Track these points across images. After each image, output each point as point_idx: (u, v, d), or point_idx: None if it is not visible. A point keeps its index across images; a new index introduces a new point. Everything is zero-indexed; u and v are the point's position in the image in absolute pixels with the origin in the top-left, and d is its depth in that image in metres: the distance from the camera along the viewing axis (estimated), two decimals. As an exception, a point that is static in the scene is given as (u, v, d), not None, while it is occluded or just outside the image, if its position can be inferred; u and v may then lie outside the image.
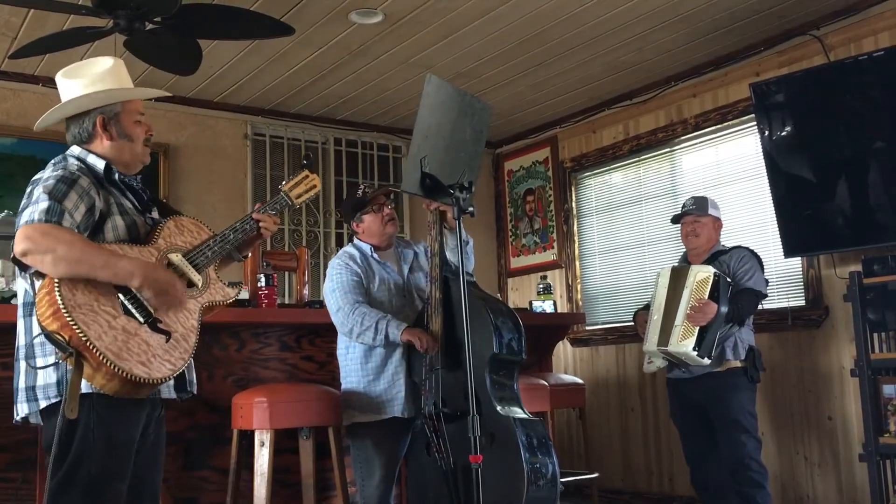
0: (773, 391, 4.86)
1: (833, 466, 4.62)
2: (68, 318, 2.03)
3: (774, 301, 4.80)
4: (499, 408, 3.10)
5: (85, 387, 2.14)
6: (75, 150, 2.37)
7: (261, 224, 2.50)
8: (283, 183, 2.67)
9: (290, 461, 3.65)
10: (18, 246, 2.09)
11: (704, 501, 4.15)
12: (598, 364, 6.01)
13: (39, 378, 2.21)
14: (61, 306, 2.03)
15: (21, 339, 2.27)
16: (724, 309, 3.83)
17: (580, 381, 4.74)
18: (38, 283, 2.15)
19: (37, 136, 5.15)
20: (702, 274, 3.88)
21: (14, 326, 2.26)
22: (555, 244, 6.42)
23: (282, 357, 3.86)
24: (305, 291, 4.61)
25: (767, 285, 4.06)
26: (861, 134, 4.27)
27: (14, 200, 4.99)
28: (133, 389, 2.13)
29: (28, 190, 2.24)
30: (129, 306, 2.16)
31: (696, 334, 3.82)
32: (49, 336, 2.05)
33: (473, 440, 2.58)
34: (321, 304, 4.07)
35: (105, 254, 2.15)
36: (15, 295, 3.46)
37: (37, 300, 2.11)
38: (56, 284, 2.06)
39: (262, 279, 3.87)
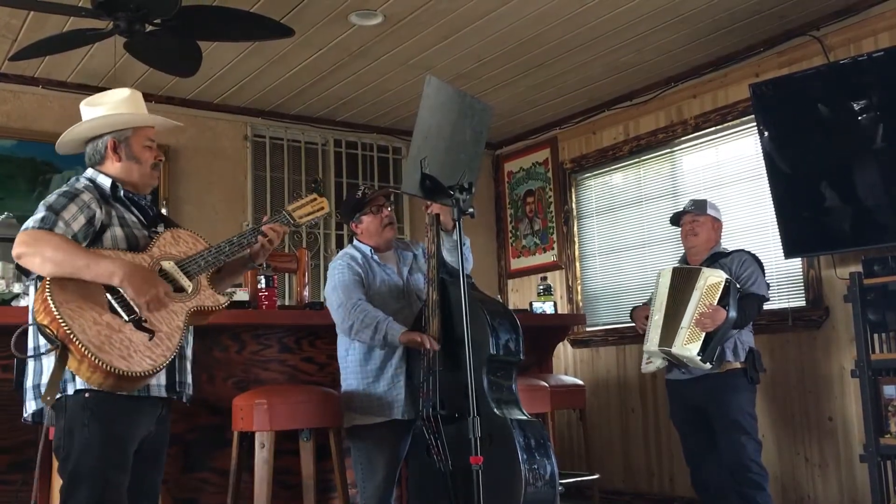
0: (773, 392, 4.86)
1: (834, 467, 4.62)
2: (55, 313, 2.20)
3: (775, 302, 4.80)
4: (496, 409, 3.10)
5: (80, 383, 2.31)
6: (88, 172, 2.58)
7: (270, 233, 2.63)
8: (288, 203, 2.79)
9: (290, 463, 3.64)
10: (14, 250, 2.32)
11: (705, 502, 4.15)
12: (598, 365, 6.01)
13: (44, 377, 2.35)
14: (50, 302, 2.21)
15: (32, 341, 2.39)
16: (733, 315, 3.80)
17: (580, 382, 4.74)
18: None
19: (36, 139, 5.18)
20: (713, 278, 3.85)
21: (13, 328, 2.31)
22: (555, 245, 6.42)
23: (282, 359, 3.86)
24: (305, 293, 4.61)
25: (769, 289, 4.05)
26: (861, 134, 4.27)
27: (14, 202, 5.01)
28: (117, 383, 2.25)
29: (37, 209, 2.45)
30: (115, 305, 2.31)
31: (702, 339, 3.80)
32: (40, 329, 2.23)
33: (474, 441, 2.58)
34: (321, 306, 4.07)
35: (88, 255, 2.32)
36: (15, 297, 3.48)
37: (34, 298, 2.29)
38: (47, 282, 2.26)
39: (263, 281, 3.87)
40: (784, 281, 4.89)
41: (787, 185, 4.55)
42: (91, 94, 2.69)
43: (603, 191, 6.21)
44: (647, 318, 4.11)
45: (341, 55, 5.03)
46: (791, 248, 4.55)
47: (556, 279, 6.28)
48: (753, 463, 3.85)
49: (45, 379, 2.35)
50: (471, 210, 2.79)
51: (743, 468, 3.84)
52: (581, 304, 6.20)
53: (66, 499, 2.30)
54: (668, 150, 5.69)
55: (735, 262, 4.01)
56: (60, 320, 2.19)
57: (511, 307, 5.93)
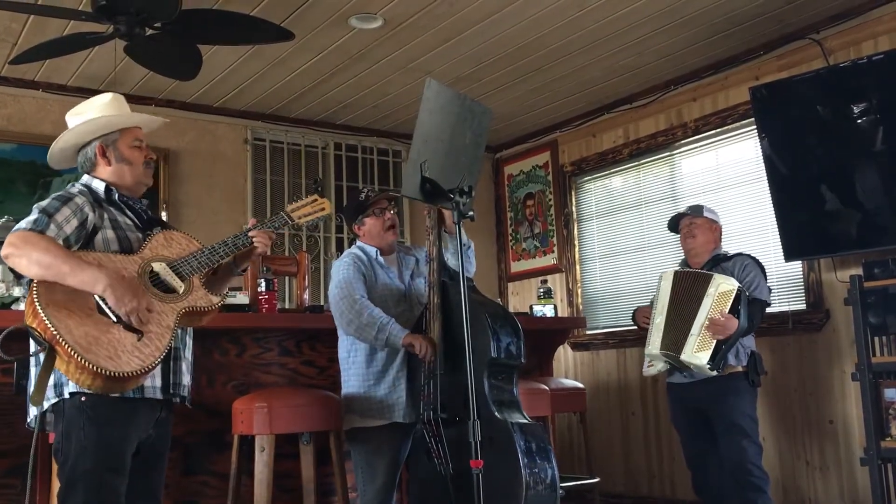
0: (774, 395, 4.86)
1: (835, 470, 4.61)
2: (42, 315, 2.21)
3: (775, 305, 4.78)
4: (497, 412, 3.10)
5: (74, 386, 2.31)
6: (83, 178, 2.60)
7: (256, 240, 2.62)
8: (289, 205, 2.79)
9: (290, 466, 3.64)
10: (3, 251, 2.33)
11: (706, 506, 4.15)
12: (598, 368, 6.00)
13: (49, 379, 2.35)
14: (37, 303, 2.23)
15: (32, 347, 2.38)
16: (744, 323, 3.79)
17: (581, 385, 4.73)
18: None
19: (36, 142, 5.17)
20: (725, 286, 3.81)
21: (13, 332, 2.29)
22: (555, 248, 6.41)
23: (282, 362, 3.85)
24: (306, 296, 4.60)
25: (770, 293, 4.05)
26: (861, 137, 4.27)
27: (14, 205, 5.01)
28: (107, 384, 2.25)
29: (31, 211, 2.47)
30: (103, 305, 2.31)
31: (712, 348, 3.77)
32: (28, 331, 2.24)
33: (474, 445, 2.57)
34: (322, 309, 4.07)
35: (74, 261, 2.32)
36: (15, 300, 3.48)
37: (25, 301, 2.31)
38: (34, 285, 2.27)
39: (263, 284, 3.88)
40: (784, 284, 4.89)
41: (787, 188, 4.55)
42: (91, 98, 2.69)
43: (603, 194, 6.21)
44: (648, 319, 4.11)
45: (341, 58, 5.03)
46: (791, 252, 4.54)
47: (556, 282, 6.27)
48: (754, 466, 3.84)
49: (49, 382, 2.35)
50: (471, 213, 2.79)
51: (744, 471, 3.83)
52: (581, 307, 6.20)
53: (62, 501, 2.31)
54: (668, 154, 5.69)
55: (737, 267, 4.00)
56: (47, 321, 2.20)
57: (511, 310, 5.92)
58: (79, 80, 5.21)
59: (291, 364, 3.88)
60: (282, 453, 3.47)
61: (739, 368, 3.91)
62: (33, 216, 2.38)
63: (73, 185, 2.55)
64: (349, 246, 3.72)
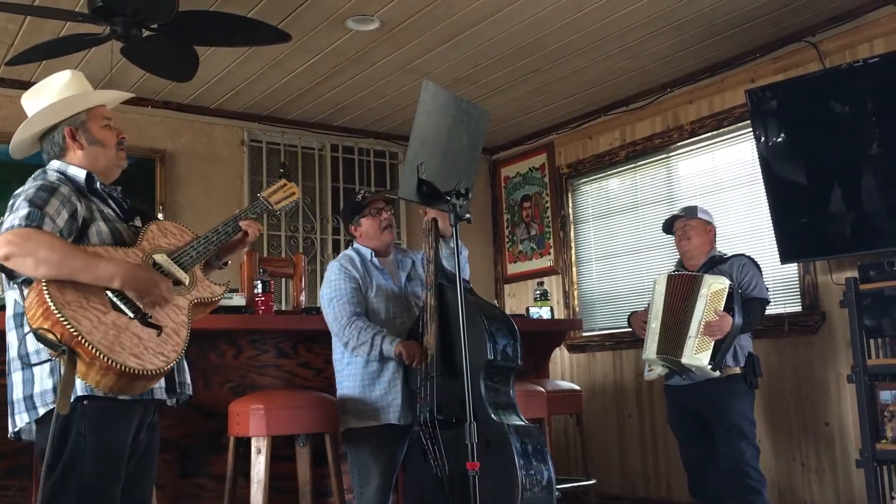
0: (770, 397, 4.86)
1: (830, 472, 4.62)
2: (59, 315, 2.07)
3: (771, 307, 4.78)
4: (493, 414, 3.10)
5: (80, 388, 2.17)
6: (55, 163, 2.42)
7: (246, 228, 2.56)
8: (263, 190, 2.77)
9: (286, 468, 3.64)
10: (0, 251, 2.14)
11: (702, 508, 4.15)
12: (595, 370, 6.01)
13: (37, 386, 2.23)
14: (51, 304, 2.07)
15: (13, 351, 2.28)
16: (739, 321, 3.80)
17: (577, 387, 4.73)
18: (27, 291, 2.19)
19: (33, 143, 5.17)
20: (717, 285, 3.83)
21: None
22: (551, 250, 6.42)
23: (278, 364, 3.85)
24: (302, 298, 4.60)
25: (768, 292, 4.06)
26: (857, 140, 4.28)
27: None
28: (128, 384, 2.15)
29: (10, 203, 2.28)
30: (118, 302, 2.20)
31: (711, 348, 3.78)
32: (40, 336, 2.07)
33: (470, 447, 2.57)
34: (318, 311, 4.06)
35: (85, 256, 2.19)
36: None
37: (26, 304, 2.15)
38: (44, 284, 2.11)
39: (259, 286, 3.87)
40: (780, 286, 4.90)
41: (783, 191, 4.56)
42: (48, 77, 2.51)
43: (599, 196, 6.21)
44: (644, 324, 4.11)
45: (338, 60, 5.03)
46: (787, 254, 4.55)
47: (552, 284, 6.28)
48: (752, 469, 3.84)
49: (37, 388, 2.23)
50: (468, 215, 2.79)
51: (741, 474, 3.83)
52: (577, 309, 6.21)
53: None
54: (665, 156, 5.70)
55: (734, 267, 4.01)
56: (65, 323, 2.06)
57: (508, 312, 5.92)
58: (75, 81, 5.20)
59: (288, 366, 3.88)
60: (278, 455, 3.47)
61: (737, 370, 3.92)
62: (24, 210, 2.19)
63: (46, 173, 2.36)
64: (346, 247, 3.72)
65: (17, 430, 2.29)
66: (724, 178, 5.28)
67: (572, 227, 6.33)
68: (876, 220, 4.23)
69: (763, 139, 4.61)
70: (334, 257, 3.64)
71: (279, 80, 5.34)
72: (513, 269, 6.76)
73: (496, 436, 3.03)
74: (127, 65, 4.40)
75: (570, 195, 6.36)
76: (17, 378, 2.28)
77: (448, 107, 2.86)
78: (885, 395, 3.97)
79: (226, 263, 2.66)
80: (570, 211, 6.34)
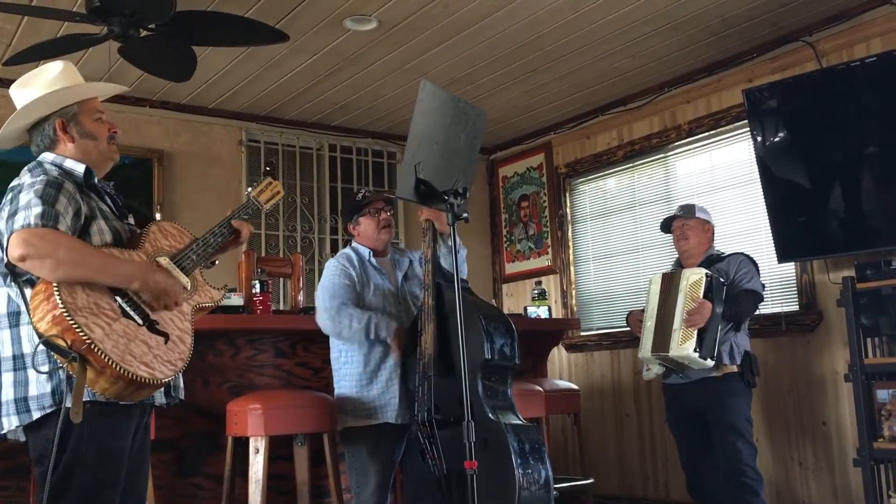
0: (767, 396, 4.87)
1: (827, 471, 4.63)
2: (71, 322, 2.01)
3: (768, 306, 4.81)
4: (491, 414, 3.11)
5: (85, 394, 2.12)
6: (48, 156, 2.34)
7: (239, 228, 2.54)
8: (250, 189, 2.75)
9: (284, 468, 3.64)
10: (16, 251, 2.06)
11: (700, 507, 4.15)
12: (592, 369, 6.01)
13: (32, 389, 2.18)
14: (63, 310, 2.02)
15: (7, 351, 2.22)
16: (719, 309, 3.82)
17: (575, 386, 4.74)
18: (28, 291, 2.14)
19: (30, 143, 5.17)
20: (693, 276, 3.88)
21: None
22: (549, 250, 6.42)
23: (277, 363, 3.85)
24: (300, 298, 4.60)
25: (764, 289, 4.07)
26: (854, 139, 4.29)
27: (8, 207, 5.00)
28: (135, 392, 2.13)
29: (8, 196, 2.21)
30: (128, 308, 2.16)
31: (695, 336, 3.80)
32: (48, 342, 2.02)
33: (468, 446, 2.58)
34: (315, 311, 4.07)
35: (103, 257, 2.15)
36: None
37: (31, 307, 2.09)
38: (55, 288, 2.04)
39: (257, 285, 3.87)
40: (778, 285, 4.91)
41: (781, 190, 4.57)
42: (39, 67, 2.45)
43: (597, 195, 6.22)
44: (640, 325, 4.12)
45: (336, 60, 5.04)
46: (784, 253, 4.56)
47: (550, 284, 6.28)
48: (749, 468, 3.85)
49: (32, 392, 2.17)
50: (465, 215, 2.79)
51: (738, 472, 3.84)
52: (575, 308, 6.21)
53: None
54: (662, 155, 5.70)
55: (731, 265, 4.03)
56: (78, 330, 2.01)
57: (505, 312, 5.93)
58: (73, 81, 5.20)
59: (286, 365, 3.88)
60: (276, 455, 3.47)
61: (734, 369, 3.93)
62: (38, 208, 2.10)
63: (48, 167, 2.28)
64: (344, 247, 3.73)
65: (3, 432, 2.22)
66: (722, 178, 5.29)
67: (570, 226, 6.33)
68: (873, 219, 4.24)
69: (760, 139, 4.62)
70: (332, 257, 3.65)
71: (277, 80, 5.34)
72: (511, 268, 6.77)
73: (494, 435, 3.03)
74: (125, 65, 4.40)
75: (567, 195, 6.36)
76: (7, 379, 2.21)
77: (446, 106, 2.87)
78: (882, 394, 3.98)
79: (213, 262, 2.61)
80: (568, 210, 6.35)
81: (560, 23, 4.59)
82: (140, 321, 2.17)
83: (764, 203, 4.62)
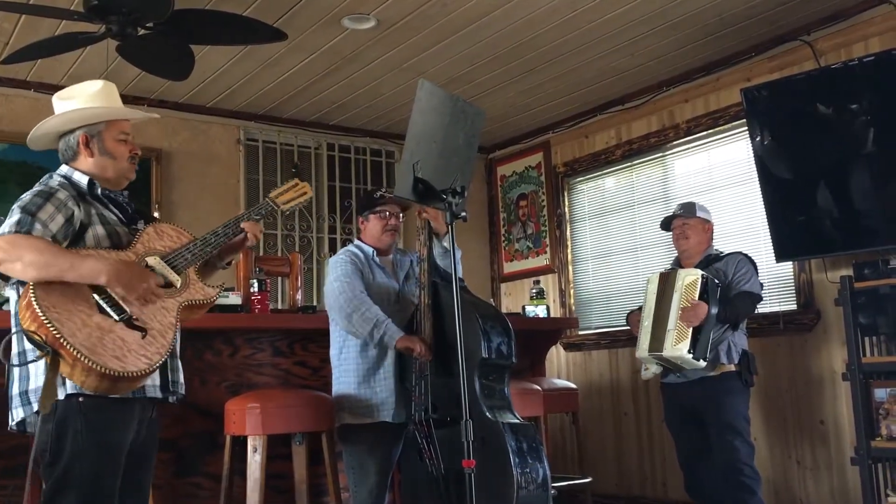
0: (765, 395, 4.87)
1: (825, 470, 4.63)
2: (43, 318, 2.15)
3: (766, 305, 4.81)
4: (488, 413, 3.11)
5: (70, 387, 2.25)
6: (63, 168, 2.50)
7: (246, 229, 2.59)
8: (272, 191, 2.79)
9: (283, 467, 3.64)
10: None
11: (698, 506, 4.16)
12: (591, 369, 6.01)
13: (32, 382, 2.31)
14: (36, 307, 2.16)
15: (16, 348, 2.34)
16: (714, 310, 3.83)
17: (573, 385, 4.74)
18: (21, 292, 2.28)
19: (29, 142, 5.16)
20: (689, 277, 3.89)
21: (3, 332, 2.29)
22: (548, 249, 6.42)
23: (275, 362, 3.85)
24: (298, 297, 4.60)
25: (762, 289, 4.07)
26: (852, 139, 4.28)
27: (5, 206, 4.98)
28: (112, 385, 2.21)
29: (11, 210, 2.38)
30: (104, 305, 2.26)
31: (689, 337, 3.81)
32: (28, 336, 2.18)
33: (466, 445, 2.58)
34: (314, 310, 4.07)
35: (71, 256, 2.26)
36: (6, 300, 3.46)
37: (19, 306, 2.24)
38: (31, 287, 2.20)
39: (255, 285, 3.87)
40: (775, 285, 4.91)
41: (779, 189, 4.57)
42: (82, 83, 2.58)
43: (595, 195, 6.22)
44: (639, 322, 4.13)
45: (334, 59, 5.03)
46: (782, 252, 4.56)
47: (548, 283, 6.28)
48: (746, 466, 3.86)
49: (32, 385, 2.30)
50: (463, 214, 2.79)
51: (736, 471, 3.84)
52: (574, 307, 6.21)
53: (50, 503, 2.25)
54: (661, 154, 5.71)
55: (730, 265, 4.03)
56: (49, 325, 2.14)
57: (504, 311, 5.93)
58: (71, 79, 5.18)
59: (284, 364, 3.88)
60: (274, 454, 3.47)
61: (732, 368, 3.93)
62: (15, 217, 2.29)
63: (52, 178, 2.46)
64: (342, 246, 3.74)
65: (16, 422, 2.36)
66: (720, 177, 5.29)
67: (568, 225, 6.33)
68: (871, 218, 4.24)
69: (758, 138, 4.62)
70: (330, 256, 3.65)
71: (275, 79, 5.34)
72: (509, 267, 6.77)
73: (491, 434, 3.04)
74: (122, 63, 4.40)
75: (566, 194, 6.36)
76: (15, 374, 2.36)
77: (444, 106, 2.87)
78: (879, 393, 3.98)
79: (229, 263, 2.71)
80: (567, 210, 6.35)
81: (558, 22, 4.59)
82: (116, 317, 2.26)
83: (762, 202, 4.62)
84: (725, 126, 5.22)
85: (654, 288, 4.05)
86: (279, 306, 5.58)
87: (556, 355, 6.18)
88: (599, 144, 6.08)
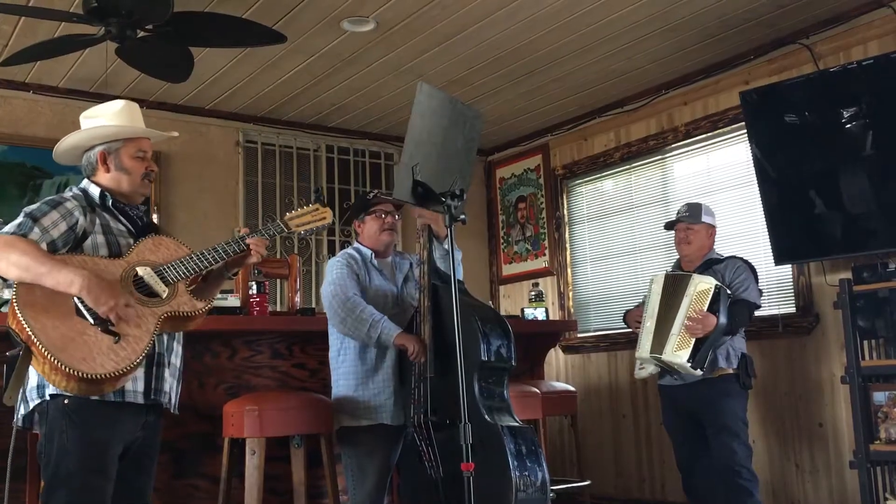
0: (764, 398, 4.87)
1: (824, 473, 4.63)
2: (19, 315, 2.26)
3: (765, 308, 4.79)
4: (487, 415, 3.10)
5: (53, 388, 2.34)
6: (83, 182, 2.63)
7: (253, 248, 2.64)
8: (288, 213, 2.80)
9: (281, 469, 3.64)
10: None
11: (696, 508, 4.16)
12: (589, 371, 6.01)
13: (30, 382, 2.40)
14: (15, 304, 2.28)
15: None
16: (723, 321, 3.80)
17: (572, 388, 4.74)
18: None
19: (27, 144, 5.17)
20: (703, 285, 3.85)
21: (4, 333, 2.31)
22: (546, 251, 6.43)
23: (273, 365, 3.85)
24: (297, 299, 4.60)
25: (761, 296, 4.06)
26: (850, 141, 4.29)
27: (4, 208, 4.98)
28: (84, 386, 2.27)
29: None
30: (82, 308, 2.33)
31: (691, 346, 3.79)
32: (10, 332, 2.29)
33: (465, 448, 2.58)
34: (313, 312, 4.06)
35: (51, 263, 2.34)
36: (5, 302, 3.47)
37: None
38: (15, 285, 2.32)
39: (254, 287, 3.87)
40: (774, 288, 4.91)
41: (778, 192, 4.57)
42: (82, 100, 2.75)
43: (594, 197, 6.22)
44: (639, 321, 4.12)
45: (333, 61, 5.03)
46: (781, 255, 4.56)
47: (547, 285, 6.28)
48: (744, 469, 3.85)
49: (29, 385, 2.40)
50: (463, 217, 2.79)
51: (733, 473, 3.84)
52: (572, 310, 6.21)
53: (45, 503, 2.34)
54: (660, 157, 5.71)
55: (729, 269, 4.02)
56: (23, 322, 2.24)
57: (502, 313, 5.93)
58: (70, 81, 5.20)
59: (283, 367, 3.88)
60: (273, 456, 3.47)
61: (730, 371, 3.93)
62: (18, 220, 2.41)
63: (70, 190, 2.59)
64: (341, 248, 3.74)
65: (18, 418, 2.45)
66: (719, 180, 5.30)
67: (567, 228, 6.33)
68: (870, 221, 4.24)
69: (757, 141, 4.62)
70: (329, 258, 3.65)
71: (274, 81, 5.34)
72: (508, 270, 6.77)
73: (490, 437, 3.03)
74: (122, 66, 4.40)
75: (565, 196, 6.37)
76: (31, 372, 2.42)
77: (443, 108, 2.87)
78: (878, 397, 3.98)
79: (235, 274, 2.83)
80: (565, 212, 6.35)
81: (557, 24, 4.59)
82: (91, 321, 2.32)
83: (761, 205, 4.63)
84: (724, 129, 5.22)
85: (658, 288, 4.04)
86: (278, 308, 5.58)
87: (555, 358, 6.18)
88: (598, 147, 6.09)
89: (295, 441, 3.61)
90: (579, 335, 6.08)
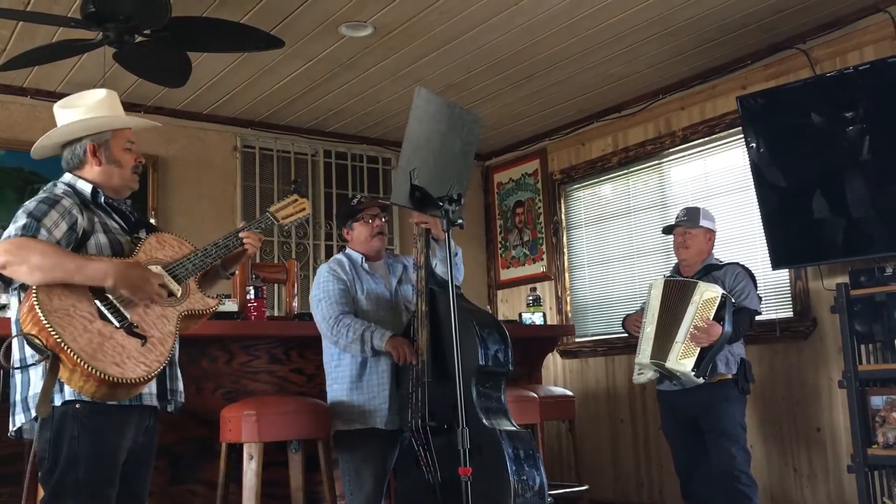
0: (761, 403, 4.88)
1: (822, 477, 4.63)
2: (44, 322, 2.16)
3: (763, 313, 4.81)
4: (485, 420, 3.10)
5: (69, 393, 2.26)
6: (66, 177, 2.52)
7: (245, 241, 2.62)
8: (272, 206, 2.81)
9: (278, 474, 3.63)
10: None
11: (694, 513, 4.15)
12: (587, 376, 6.01)
13: (31, 389, 2.31)
14: (38, 311, 2.17)
15: (18, 354, 2.34)
16: (728, 330, 3.78)
17: (570, 392, 4.74)
18: (23, 296, 2.29)
19: (25, 149, 5.10)
20: (710, 293, 3.82)
21: (2, 339, 2.29)
22: (544, 256, 6.43)
23: (271, 369, 3.85)
24: (295, 304, 4.60)
25: (761, 302, 4.06)
26: (847, 146, 4.30)
27: (2, 212, 4.99)
28: (111, 391, 2.22)
29: (15, 216, 2.39)
30: (105, 311, 2.28)
31: (696, 355, 3.77)
32: (28, 340, 2.18)
33: (463, 453, 2.57)
34: (310, 317, 4.06)
35: (77, 259, 2.28)
36: (2, 307, 3.46)
37: (20, 310, 2.25)
38: (34, 291, 2.21)
39: (252, 291, 3.87)
40: (772, 292, 4.91)
41: (775, 197, 4.58)
42: (83, 91, 2.61)
43: (592, 202, 6.23)
44: (639, 326, 4.11)
45: (331, 66, 5.04)
46: (779, 260, 4.57)
47: (545, 290, 6.29)
48: (742, 473, 3.85)
49: (31, 391, 2.31)
50: (460, 221, 2.79)
51: (732, 478, 3.84)
52: (570, 314, 6.21)
53: None
54: (657, 162, 5.72)
55: (728, 276, 4.01)
56: (50, 329, 2.15)
57: (500, 318, 5.92)
58: (68, 86, 5.20)
59: (280, 371, 3.88)
60: (270, 461, 3.47)
61: (729, 376, 3.93)
62: (21, 221, 2.31)
63: (56, 186, 2.47)
64: (338, 253, 3.74)
65: (16, 429, 2.36)
66: (716, 185, 5.30)
67: (565, 232, 6.34)
68: (867, 225, 4.25)
69: (754, 145, 4.63)
70: (324, 262, 3.65)
71: (272, 86, 5.34)
72: (505, 274, 6.77)
73: (488, 441, 3.03)
74: (119, 70, 4.40)
75: (562, 201, 6.37)
76: (18, 380, 2.37)
77: (441, 113, 2.87)
78: (876, 401, 3.98)
79: (233, 273, 2.76)
80: (563, 217, 6.36)
81: (555, 29, 4.60)
82: (117, 324, 2.27)
83: (758, 210, 4.63)
84: (722, 133, 5.23)
85: (657, 293, 4.02)
86: (275, 313, 5.58)
87: (553, 362, 6.18)
88: (596, 152, 6.09)
89: (293, 446, 3.61)
90: (577, 340, 6.08)
